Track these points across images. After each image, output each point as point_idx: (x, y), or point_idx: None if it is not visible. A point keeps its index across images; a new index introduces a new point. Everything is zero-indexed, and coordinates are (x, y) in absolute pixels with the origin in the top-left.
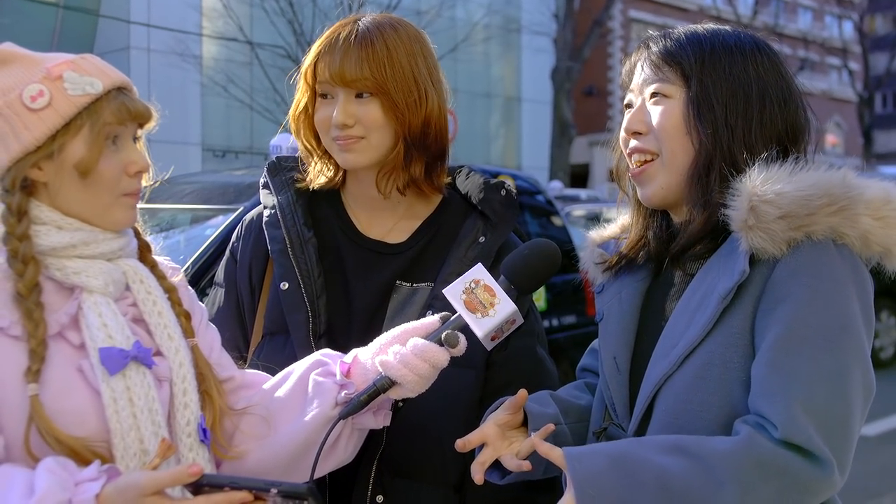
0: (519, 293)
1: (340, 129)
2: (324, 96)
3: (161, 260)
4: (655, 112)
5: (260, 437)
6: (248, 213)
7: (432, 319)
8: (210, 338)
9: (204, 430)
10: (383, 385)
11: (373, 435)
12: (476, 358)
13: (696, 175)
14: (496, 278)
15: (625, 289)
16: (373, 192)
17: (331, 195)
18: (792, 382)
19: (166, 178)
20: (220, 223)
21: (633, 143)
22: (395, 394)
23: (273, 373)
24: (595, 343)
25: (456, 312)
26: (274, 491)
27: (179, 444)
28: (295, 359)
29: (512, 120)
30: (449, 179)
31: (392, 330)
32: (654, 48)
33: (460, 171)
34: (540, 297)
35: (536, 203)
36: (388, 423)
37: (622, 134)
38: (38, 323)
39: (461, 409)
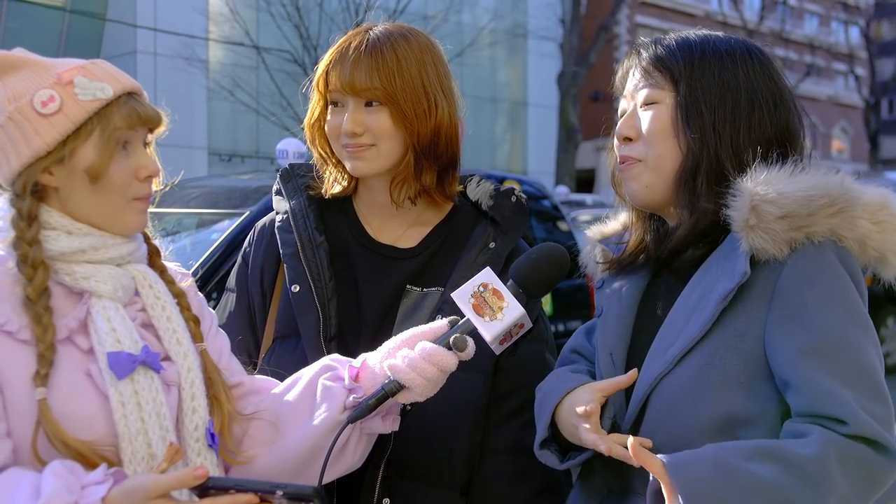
0: (527, 297)
1: (350, 137)
2: (335, 105)
3: (170, 265)
4: (645, 117)
5: (269, 441)
6: (254, 217)
7: (441, 323)
8: (219, 343)
9: (212, 435)
10: (392, 389)
11: (380, 438)
12: (484, 362)
13: (683, 179)
14: (505, 283)
15: (625, 286)
16: (384, 200)
17: (342, 202)
18: (843, 382)
19: (178, 181)
20: (227, 227)
21: (624, 149)
22: (403, 398)
23: (283, 377)
24: (586, 326)
25: (464, 316)
26: (280, 493)
27: (187, 449)
28: (305, 362)
29: (518, 125)
30: (460, 188)
31: (401, 334)
32: (645, 54)
33: (471, 180)
34: (547, 303)
35: (542, 208)
36: (396, 428)
37: (614, 140)
38: (46, 327)
39: (469, 413)
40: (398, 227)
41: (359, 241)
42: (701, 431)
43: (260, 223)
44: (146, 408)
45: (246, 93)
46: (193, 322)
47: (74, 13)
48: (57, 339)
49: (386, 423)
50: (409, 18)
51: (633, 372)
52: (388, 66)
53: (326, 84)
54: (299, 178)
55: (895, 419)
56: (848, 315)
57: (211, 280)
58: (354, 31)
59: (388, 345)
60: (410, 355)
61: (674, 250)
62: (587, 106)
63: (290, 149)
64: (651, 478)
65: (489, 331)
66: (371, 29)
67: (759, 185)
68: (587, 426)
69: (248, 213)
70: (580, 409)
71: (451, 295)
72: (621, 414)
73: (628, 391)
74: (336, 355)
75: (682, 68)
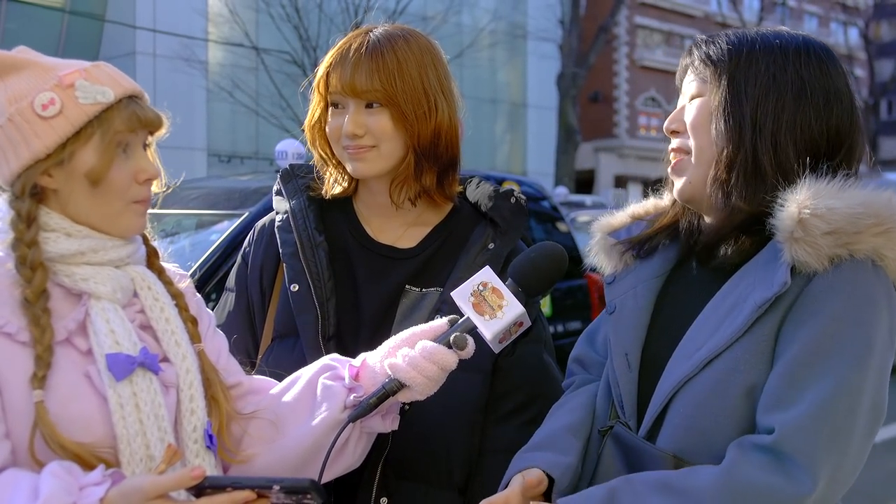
0: (527, 295)
1: (351, 138)
2: (335, 106)
3: (168, 266)
4: (690, 110)
5: (268, 440)
6: (253, 217)
7: (440, 322)
8: (218, 344)
9: (210, 436)
10: (392, 388)
11: (378, 437)
12: (483, 362)
13: (717, 171)
14: (504, 282)
15: (640, 283)
16: (384, 200)
17: (343, 202)
18: (805, 393)
19: (178, 183)
20: (226, 228)
21: (673, 141)
22: (403, 397)
23: (282, 376)
24: (588, 331)
25: (464, 315)
26: (276, 487)
27: (185, 450)
28: (304, 361)
29: (517, 126)
30: (460, 189)
31: (400, 333)
32: (697, 51)
33: (471, 181)
34: (546, 304)
35: (542, 209)
36: (396, 427)
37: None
38: (44, 329)
39: (467, 412)
40: (398, 227)
41: (358, 241)
42: (724, 437)
43: (260, 223)
44: (144, 409)
45: (245, 94)
46: (191, 323)
47: (74, 14)
48: (56, 341)
49: (386, 422)
50: (408, 19)
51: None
52: (389, 67)
53: (327, 86)
54: (299, 179)
55: (859, 445)
56: (856, 329)
57: (210, 281)
58: (354, 32)
59: (388, 344)
60: (411, 354)
61: (708, 244)
62: (586, 107)
63: (289, 150)
64: None
65: (489, 329)
66: (371, 31)
67: (809, 198)
68: None
69: (247, 214)
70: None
71: (451, 294)
72: (632, 416)
73: (643, 395)
74: (335, 355)
75: (727, 61)
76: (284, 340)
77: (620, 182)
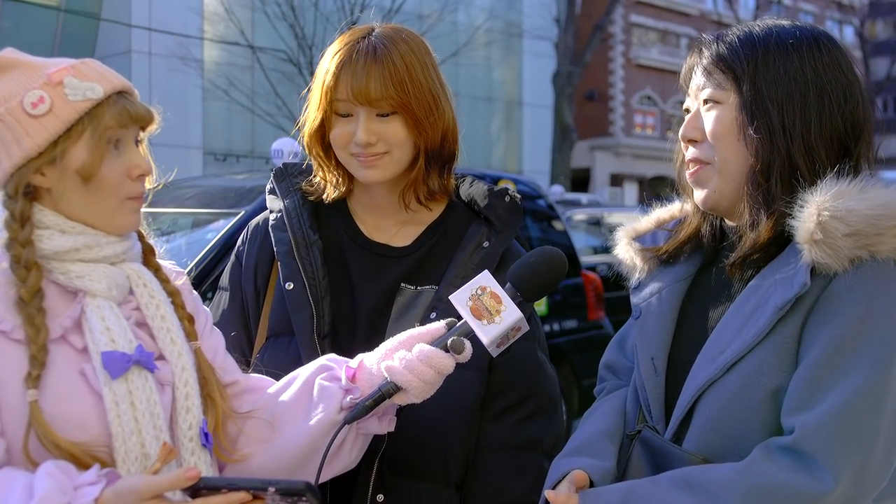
0: (525, 300)
1: (363, 147)
2: (340, 114)
3: (164, 263)
4: (709, 119)
5: (264, 440)
6: (249, 216)
7: (438, 325)
8: (214, 341)
9: (206, 434)
10: (389, 390)
11: (375, 435)
12: (479, 360)
13: (755, 182)
14: (501, 284)
15: (665, 287)
16: (381, 200)
17: (337, 201)
18: (827, 394)
19: (170, 180)
20: (222, 227)
21: (690, 150)
22: (400, 399)
23: (277, 375)
24: (618, 337)
25: (462, 319)
26: (272, 489)
27: (181, 449)
28: (299, 360)
29: (513, 124)
30: (454, 183)
31: (398, 335)
32: (707, 52)
33: (464, 180)
34: (541, 303)
35: (538, 207)
36: (392, 429)
37: (680, 141)
38: (39, 328)
39: (464, 410)
40: (392, 225)
41: (353, 239)
42: (751, 439)
43: (253, 222)
44: (140, 407)
45: (241, 92)
46: (188, 321)
47: (69, 13)
48: (51, 339)
49: (382, 423)
50: (404, 18)
51: None
52: (399, 74)
53: (332, 93)
54: (293, 178)
55: (884, 445)
56: (878, 329)
57: (206, 279)
58: (352, 34)
59: (385, 346)
60: (408, 357)
61: (744, 256)
62: (582, 105)
63: (285, 148)
64: None
65: (487, 334)
66: (370, 34)
67: (829, 199)
68: None
69: (243, 212)
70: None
71: (449, 297)
72: (660, 420)
73: (671, 398)
74: (332, 355)
75: (744, 66)
76: (279, 339)
77: (616, 180)
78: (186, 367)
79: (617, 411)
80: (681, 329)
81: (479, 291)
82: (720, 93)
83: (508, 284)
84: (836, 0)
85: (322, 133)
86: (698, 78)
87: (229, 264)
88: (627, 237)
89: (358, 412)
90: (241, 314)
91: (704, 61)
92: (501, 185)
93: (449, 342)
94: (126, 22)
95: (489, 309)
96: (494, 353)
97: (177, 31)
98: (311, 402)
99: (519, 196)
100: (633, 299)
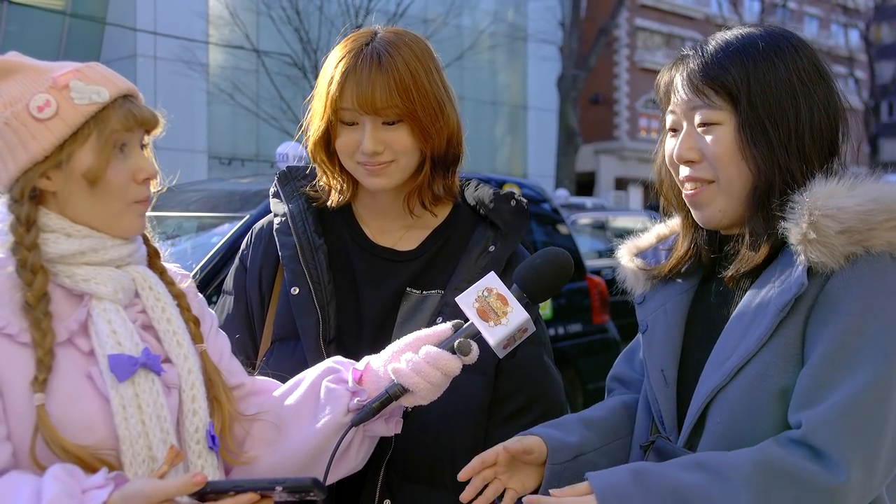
0: (531, 302)
1: (370, 156)
2: (346, 122)
3: (170, 266)
4: (707, 140)
5: (271, 442)
6: (254, 220)
7: (444, 327)
8: (220, 344)
9: (213, 437)
10: (395, 393)
11: (381, 439)
12: (486, 364)
13: (758, 200)
14: (508, 287)
15: (670, 300)
16: (386, 205)
17: (341, 205)
18: (834, 392)
19: (174, 183)
20: (227, 231)
21: (687, 170)
22: (407, 401)
23: (283, 379)
24: (627, 350)
25: (468, 320)
26: (279, 488)
27: (188, 451)
28: (304, 364)
29: (518, 128)
30: (458, 184)
31: (404, 337)
32: (693, 66)
33: (469, 184)
34: (546, 306)
35: (542, 211)
36: (399, 431)
37: (669, 158)
38: (45, 332)
39: (470, 413)
40: (397, 229)
41: (358, 243)
42: (762, 442)
43: (257, 225)
44: (147, 410)
45: (246, 96)
46: (193, 323)
47: (75, 17)
48: (57, 342)
49: (389, 425)
50: (408, 21)
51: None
52: (405, 82)
53: (337, 102)
54: (297, 181)
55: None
56: (880, 323)
57: (211, 283)
58: (356, 41)
59: (391, 348)
60: (414, 359)
61: (747, 272)
62: (587, 109)
63: (290, 152)
64: None
65: (493, 336)
66: (373, 40)
67: (819, 199)
68: None
69: (248, 216)
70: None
71: (456, 299)
72: (672, 431)
73: (683, 409)
74: (339, 357)
75: (738, 84)
76: (284, 343)
77: (621, 184)
78: (193, 370)
79: (607, 407)
80: (689, 340)
81: (486, 293)
82: (717, 114)
83: (515, 286)
84: (842, 3)
85: (327, 140)
86: (686, 94)
87: (233, 268)
88: (629, 254)
89: (365, 414)
90: (245, 318)
91: (692, 78)
92: (506, 188)
93: (455, 344)
94: (131, 26)
95: (495, 310)
96: (501, 354)
97: (182, 35)
98: (318, 405)
99: (525, 200)
100: (639, 314)
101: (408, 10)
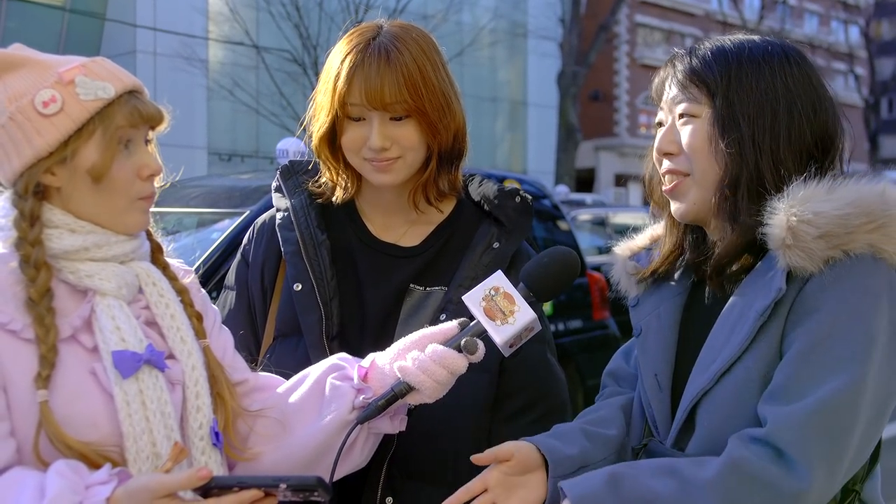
0: (537, 300)
1: (377, 152)
2: (353, 117)
3: (173, 262)
4: (685, 132)
5: (275, 439)
6: (254, 216)
7: (451, 325)
8: (223, 340)
9: (216, 434)
10: (401, 390)
11: (384, 436)
12: (490, 362)
13: (723, 194)
14: (515, 286)
15: (663, 304)
16: (390, 200)
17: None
18: (805, 391)
19: (177, 179)
20: (227, 227)
21: (666, 163)
22: (412, 399)
23: (286, 376)
24: (625, 347)
25: (474, 318)
26: (283, 486)
27: (192, 448)
28: (307, 360)
29: (518, 124)
30: (462, 180)
31: (410, 335)
32: (681, 66)
33: (472, 179)
34: (546, 303)
35: (542, 207)
36: (403, 428)
37: (654, 154)
38: (48, 328)
39: (473, 411)
40: (401, 225)
41: (361, 239)
42: None
43: (259, 220)
44: (151, 407)
45: (246, 92)
46: (197, 319)
47: (74, 13)
48: (61, 339)
49: (394, 423)
50: (408, 18)
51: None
52: (413, 78)
53: (345, 97)
54: (300, 176)
55: (861, 438)
56: (854, 323)
57: (211, 279)
58: (361, 35)
59: (397, 346)
60: (420, 357)
61: (717, 267)
62: (587, 105)
63: (290, 148)
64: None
65: (500, 335)
66: (379, 35)
67: (796, 204)
68: None
69: (248, 212)
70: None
71: (462, 298)
72: (666, 435)
73: (676, 410)
74: (344, 354)
75: (718, 81)
76: (287, 339)
77: (621, 181)
78: (196, 366)
79: (606, 418)
80: (682, 343)
81: (493, 292)
82: (695, 106)
83: (521, 284)
84: (842, 0)
85: (332, 136)
86: (672, 91)
87: (235, 263)
88: (623, 256)
89: (370, 412)
90: (247, 313)
91: (679, 75)
92: (507, 185)
93: (462, 342)
94: (131, 22)
95: (502, 309)
96: (507, 353)
97: (181, 32)
98: (323, 401)
99: (530, 197)
100: (633, 318)
101: (408, 6)
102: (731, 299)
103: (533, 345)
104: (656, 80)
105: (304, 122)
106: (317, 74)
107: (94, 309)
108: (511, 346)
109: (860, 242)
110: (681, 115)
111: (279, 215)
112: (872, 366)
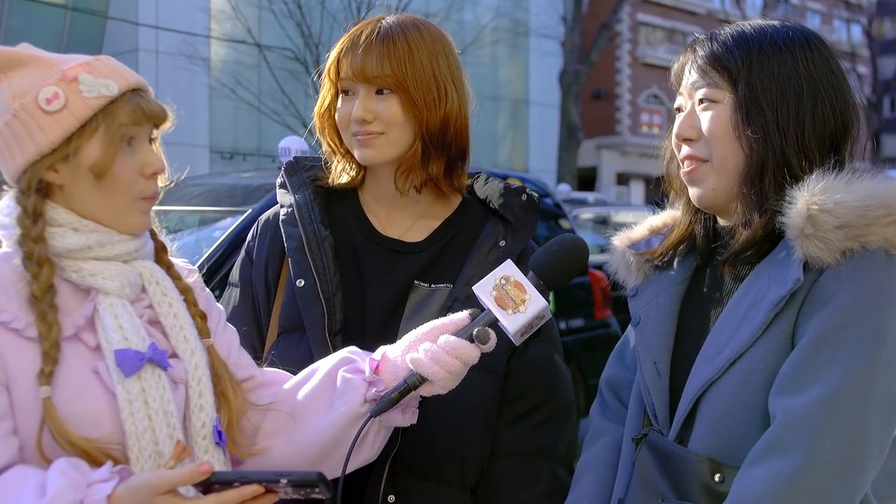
0: (547, 289)
1: (360, 124)
2: (345, 93)
3: (177, 261)
4: (704, 118)
5: (286, 433)
6: (256, 214)
7: (461, 315)
8: (228, 339)
9: (219, 433)
10: (414, 382)
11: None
12: (496, 363)
13: (750, 180)
14: (526, 275)
15: (662, 292)
16: (391, 190)
17: (348, 194)
18: (813, 381)
19: (182, 178)
20: (229, 225)
21: (685, 149)
22: (425, 391)
23: (289, 372)
24: (618, 349)
25: (485, 309)
26: (284, 481)
27: (194, 447)
28: (310, 356)
29: (520, 123)
30: (468, 183)
31: (421, 327)
32: (701, 51)
33: (478, 177)
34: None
35: (544, 206)
36: (415, 421)
37: (673, 139)
38: (51, 325)
39: (479, 413)
40: (405, 219)
41: (365, 234)
42: (753, 436)
43: (263, 216)
44: (153, 406)
45: (248, 91)
46: (200, 318)
47: (76, 11)
48: (63, 337)
49: (406, 415)
50: None
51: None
52: (400, 53)
53: (338, 72)
54: (304, 172)
55: (874, 434)
56: (866, 317)
57: (213, 278)
58: (367, 21)
59: (408, 337)
60: (433, 348)
61: (739, 251)
62: (589, 104)
63: (292, 146)
64: None
65: (512, 323)
66: (383, 19)
67: (816, 193)
68: None
69: (250, 210)
70: None
71: (473, 288)
72: (665, 423)
73: (675, 401)
74: (354, 347)
75: (739, 66)
76: (290, 336)
77: (622, 179)
78: (199, 365)
79: (602, 485)
80: (681, 332)
81: (503, 281)
82: (715, 91)
83: (531, 273)
84: None
85: (333, 114)
86: (692, 76)
87: (239, 259)
88: (622, 246)
89: (384, 405)
90: (251, 310)
91: (699, 60)
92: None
93: (474, 332)
94: (133, 20)
95: (513, 298)
96: (518, 341)
97: (183, 30)
98: (334, 395)
99: (536, 194)
100: (632, 307)
101: (410, 4)
102: (741, 288)
103: (540, 347)
104: (675, 65)
105: (314, 111)
106: (318, 73)
107: (97, 308)
108: (522, 335)
109: (877, 236)
110: (701, 101)
111: (283, 211)
112: (881, 361)
